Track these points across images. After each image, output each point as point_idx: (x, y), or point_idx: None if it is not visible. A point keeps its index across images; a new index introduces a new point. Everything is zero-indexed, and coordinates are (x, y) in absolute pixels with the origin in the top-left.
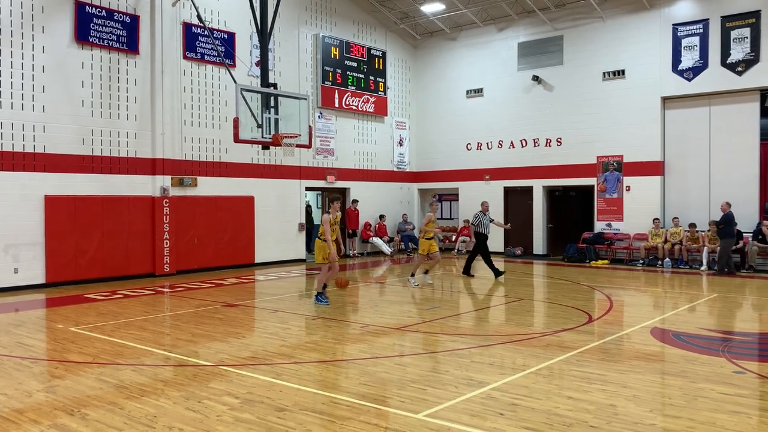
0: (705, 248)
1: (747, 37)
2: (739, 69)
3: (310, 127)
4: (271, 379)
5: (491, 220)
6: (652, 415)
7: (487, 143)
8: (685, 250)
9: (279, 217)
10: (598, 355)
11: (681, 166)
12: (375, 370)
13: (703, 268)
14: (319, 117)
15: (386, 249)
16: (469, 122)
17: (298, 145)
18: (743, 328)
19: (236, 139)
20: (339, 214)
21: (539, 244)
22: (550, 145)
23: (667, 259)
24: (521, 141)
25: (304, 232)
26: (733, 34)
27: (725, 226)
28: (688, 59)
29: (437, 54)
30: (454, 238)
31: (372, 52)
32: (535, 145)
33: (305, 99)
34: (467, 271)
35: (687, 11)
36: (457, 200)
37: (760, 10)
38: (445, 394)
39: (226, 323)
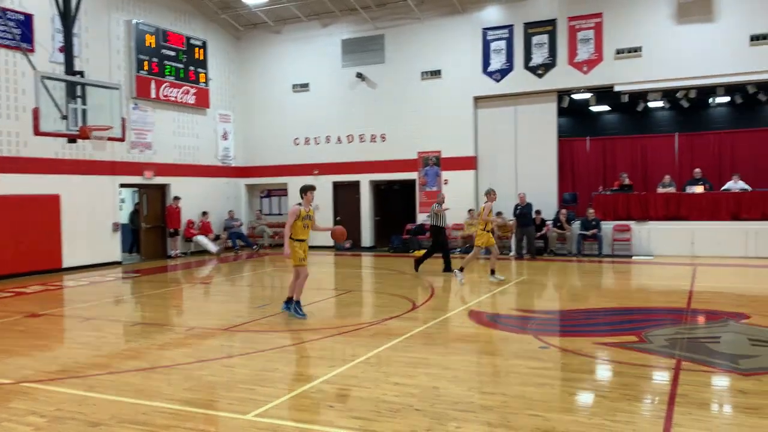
0: (513, 235)
1: (546, 43)
2: (540, 72)
3: (123, 118)
4: (83, 392)
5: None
6: (470, 393)
7: (315, 138)
8: (497, 237)
9: (90, 217)
10: (421, 340)
11: (492, 160)
12: (201, 374)
13: (511, 253)
14: (134, 108)
15: (212, 247)
16: (296, 117)
17: (110, 138)
18: (546, 307)
19: (36, 132)
20: (312, 208)
21: (367, 237)
22: (375, 141)
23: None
24: (348, 136)
25: (119, 233)
26: (534, 39)
27: (523, 214)
28: (497, 62)
29: (262, 47)
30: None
31: (192, 41)
32: (361, 141)
33: (117, 89)
34: (417, 266)
35: (495, 16)
36: (287, 195)
37: (555, 19)
38: (275, 392)
39: (30, 335)
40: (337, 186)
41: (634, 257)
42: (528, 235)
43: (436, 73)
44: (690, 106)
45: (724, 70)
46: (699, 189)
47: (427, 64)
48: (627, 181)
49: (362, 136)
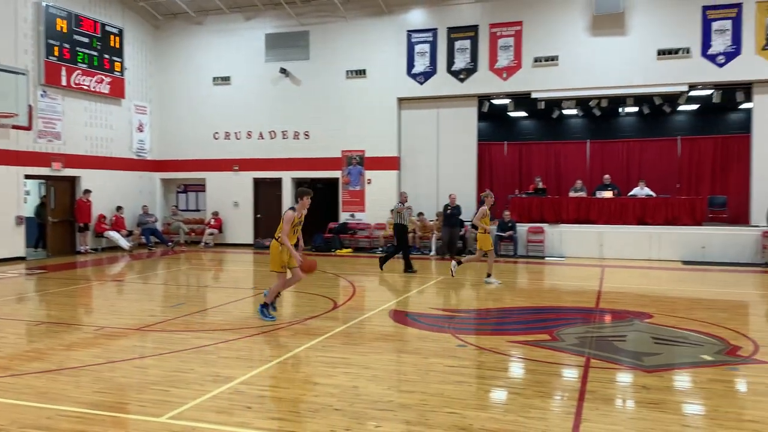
0: (434, 235)
1: (468, 48)
2: (462, 76)
3: (30, 106)
4: None
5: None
6: (390, 392)
7: (236, 133)
8: (418, 237)
9: None
10: (342, 339)
11: (414, 161)
12: (111, 375)
13: (432, 253)
14: (42, 96)
15: (124, 244)
16: (217, 110)
17: (14, 127)
18: (464, 306)
19: None
20: (305, 212)
21: None
22: (298, 138)
23: None
24: (270, 132)
25: (23, 227)
26: (457, 44)
27: (453, 215)
28: (421, 64)
29: (182, 38)
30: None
31: (107, 28)
32: (284, 138)
33: (24, 74)
34: (382, 264)
35: (419, 19)
36: (204, 191)
37: (477, 25)
38: (189, 394)
39: None
40: (258, 182)
41: (546, 258)
42: (453, 236)
43: (361, 73)
44: (601, 114)
45: (634, 81)
46: (608, 194)
47: (352, 63)
48: (541, 185)
49: (285, 132)
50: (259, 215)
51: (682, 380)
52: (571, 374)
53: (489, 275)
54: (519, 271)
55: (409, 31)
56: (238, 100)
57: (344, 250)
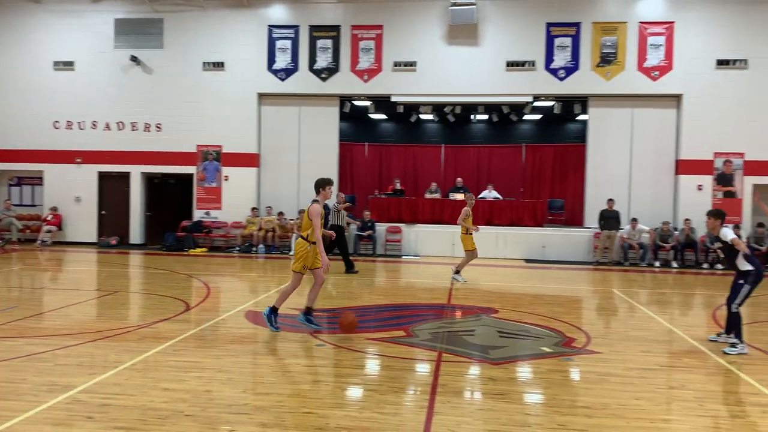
0: (293, 235)
1: (330, 48)
2: (324, 75)
3: None
4: None
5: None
6: (245, 395)
7: (80, 123)
8: (277, 237)
9: None
10: (194, 342)
11: (275, 159)
12: None
13: (291, 252)
14: None
15: None
16: (58, 98)
17: None
18: (323, 305)
19: None
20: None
21: (137, 233)
22: (149, 130)
23: (261, 245)
24: (118, 123)
25: None
26: (319, 43)
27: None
28: (282, 61)
29: (17, 16)
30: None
31: None
32: (133, 129)
33: None
34: (350, 266)
35: (281, 15)
36: (41, 184)
37: (340, 26)
38: (21, 406)
39: None
40: (103, 176)
41: (403, 257)
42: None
43: (219, 65)
44: (455, 120)
45: (485, 90)
46: (460, 196)
47: (209, 55)
48: (399, 186)
49: (135, 124)
50: (103, 212)
51: (525, 371)
52: (424, 369)
53: (458, 272)
54: (377, 269)
55: (270, 26)
56: (83, 87)
57: (198, 250)
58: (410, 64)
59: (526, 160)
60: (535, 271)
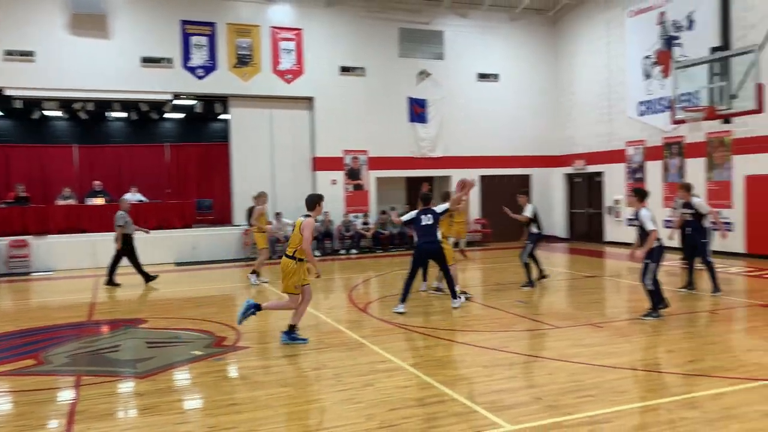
0: None
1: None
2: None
3: None
4: None
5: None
6: None
7: None
8: None
9: None
10: None
11: None
12: None
13: None
14: None
15: None
16: None
17: None
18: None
19: None
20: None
21: None
22: None
23: None
24: None
25: None
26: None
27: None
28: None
29: None
30: None
31: None
32: None
33: None
34: (111, 279)
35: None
36: None
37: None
38: None
39: None
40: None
41: (33, 274)
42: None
43: None
44: (89, 118)
45: (119, 86)
46: (99, 201)
47: None
48: (23, 193)
49: None
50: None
51: (175, 379)
52: (60, 397)
53: (255, 273)
54: (1, 292)
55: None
56: None
57: None
58: (27, 54)
59: (170, 159)
60: (186, 273)
